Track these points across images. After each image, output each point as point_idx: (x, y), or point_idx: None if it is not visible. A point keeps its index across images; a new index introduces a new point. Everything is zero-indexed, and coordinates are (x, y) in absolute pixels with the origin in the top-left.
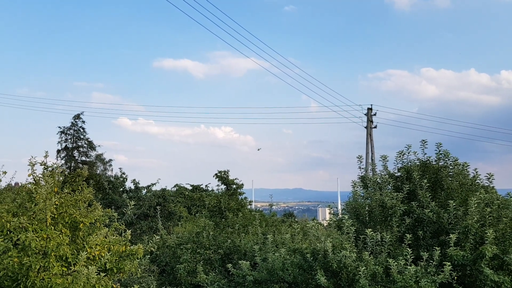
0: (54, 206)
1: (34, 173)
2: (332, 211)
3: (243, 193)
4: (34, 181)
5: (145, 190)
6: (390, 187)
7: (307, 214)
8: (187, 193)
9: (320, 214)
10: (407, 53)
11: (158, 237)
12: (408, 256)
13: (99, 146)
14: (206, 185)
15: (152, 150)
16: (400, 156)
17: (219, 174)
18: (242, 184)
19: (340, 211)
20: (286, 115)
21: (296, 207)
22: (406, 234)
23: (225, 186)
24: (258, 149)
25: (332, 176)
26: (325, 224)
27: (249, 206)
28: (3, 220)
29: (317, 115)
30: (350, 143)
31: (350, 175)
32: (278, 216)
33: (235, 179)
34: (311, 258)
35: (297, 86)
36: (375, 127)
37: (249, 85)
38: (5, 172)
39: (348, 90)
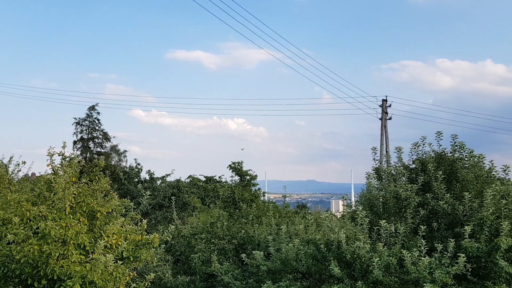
0: (73, 195)
1: (53, 163)
2: (345, 203)
3: (257, 184)
4: (53, 171)
5: (160, 181)
6: (404, 178)
7: (320, 206)
8: (201, 184)
9: (334, 206)
10: (422, 44)
11: (173, 227)
12: (422, 248)
13: (113, 137)
14: (219, 177)
15: (165, 141)
16: (415, 148)
17: (233, 166)
18: (256, 176)
19: (353, 202)
20: (299, 107)
21: (309, 199)
22: (420, 226)
23: (238, 178)
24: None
25: (345, 168)
26: (338, 216)
27: (262, 198)
28: (23, 209)
29: (331, 106)
30: (364, 134)
31: (363, 167)
32: (291, 207)
33: (249, 170)
34: (325, 249)
35: (310, 77)
36: (390, 118)
37: (261, 76)
38: (24, 162)
39: (361, 81)
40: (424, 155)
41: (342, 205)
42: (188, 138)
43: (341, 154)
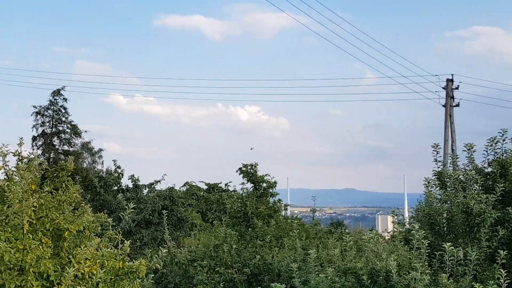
0: (32, 208)
1: (6, 165)
2: (396, 219)
3: (276, 194)
4: (6, 176)
5: (147, 189)
6: (477, 186)
7: (362, 223)
8: (201, 193)
9: (380, 223)
10: (501, 3)
11: (164, 250)
12: (502, 280)
13: (85, 131)
14: (226, 184)
15: (154, 137)
16: (491, 145)
17: (244, 169)
18: (275, 183)
19: (407, 219)
20: (333, 90)
21: (347, 214)
22: (499, 251)
23: (252, 185)
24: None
25: (396, 172)
26: (386, 237)
27: (284, 212)
28: None
29: (376, 89)
30: (421, 127)
31: (421, 170)
32: (323, 225)
33: (266, 175)
34: (369, 281)
35: (348, 49)
36: (457, 105)
37: (282, 50)
38: None
39: (418, 55)
40: (505, 154)
41: (392, 222)
42: (184, 133)
43: (390, 153)
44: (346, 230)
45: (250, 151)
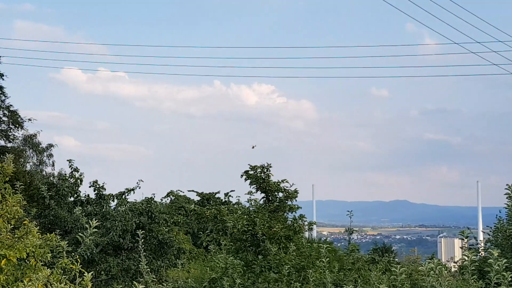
0: None
1: None
2: (466, 244)
3: (297, 207)
4: None
5: (116, 201)
6: None
7: (418, 249)
8: (192, 207)
9: (444, 249)
10: None
11: (141, 287)
12: None
13: (29, 120)
14: (227, 194)
15: (125, 128)
16: None
17: (252, 173)
18: (296, 192)
19: (482, 243)
20: (376, 61)
21: (397, 236)
22: None
23: (263, 195)
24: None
25: (466, 178)
26: (453, 268)
27: (308, 233)
28: None
29: (437, 61)
30: (502, 114)
31: (501, 175)
32: (363, 252)
33: (282, 181)
34: None
35: (397, 3)
36: None
37: (303, 4)
38: None
39: (494, 14)
40: None
41: (461, 247)
42: (167, 122)
43: (458, 151)
44: (396, 259)
45: (257, 150)
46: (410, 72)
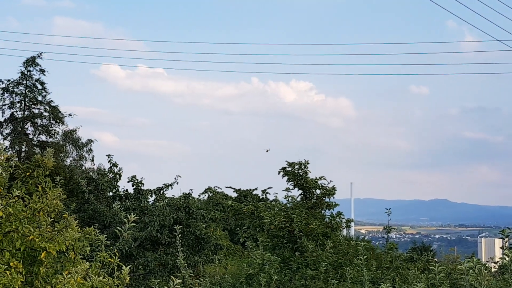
0: None
1: None
2: (507, 243)
3: (335, 205)
4: None
5: (154, 196)
6: None
7: (458, 248)
8: (229, 203)
9: (484, 248)
10: None
11: (177, 281)
12: None
13: (69, 115)
14: (264, 191)
15: (163, 124)
16: None
17: (289, 170)
18: (333, 189)
19: None
20: (416, 58)
21: (436, 236)
22: None
23: (300, 192)
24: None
25: (508, 176)
26: (493, 268)
27: (345, 231)
28: None
29: (479, 58)
30: None
31: None
32: (401, 250)
33: (320, 178)
34: None
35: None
36: None
37: (345, 3)
38: None
39: None
40: None
41: (501, 247)
42: (205, 119)
43: (500, 150)
44: (435, 258)
45: (294, 147)
46: (451, 69)
